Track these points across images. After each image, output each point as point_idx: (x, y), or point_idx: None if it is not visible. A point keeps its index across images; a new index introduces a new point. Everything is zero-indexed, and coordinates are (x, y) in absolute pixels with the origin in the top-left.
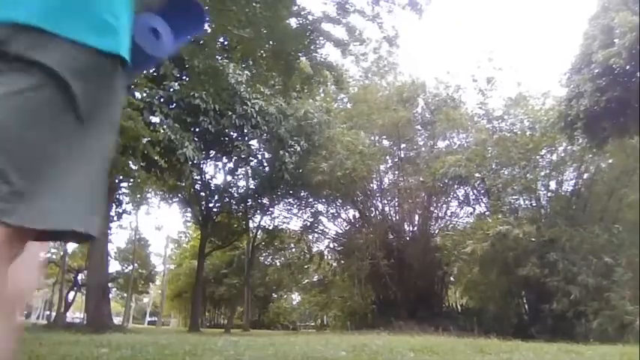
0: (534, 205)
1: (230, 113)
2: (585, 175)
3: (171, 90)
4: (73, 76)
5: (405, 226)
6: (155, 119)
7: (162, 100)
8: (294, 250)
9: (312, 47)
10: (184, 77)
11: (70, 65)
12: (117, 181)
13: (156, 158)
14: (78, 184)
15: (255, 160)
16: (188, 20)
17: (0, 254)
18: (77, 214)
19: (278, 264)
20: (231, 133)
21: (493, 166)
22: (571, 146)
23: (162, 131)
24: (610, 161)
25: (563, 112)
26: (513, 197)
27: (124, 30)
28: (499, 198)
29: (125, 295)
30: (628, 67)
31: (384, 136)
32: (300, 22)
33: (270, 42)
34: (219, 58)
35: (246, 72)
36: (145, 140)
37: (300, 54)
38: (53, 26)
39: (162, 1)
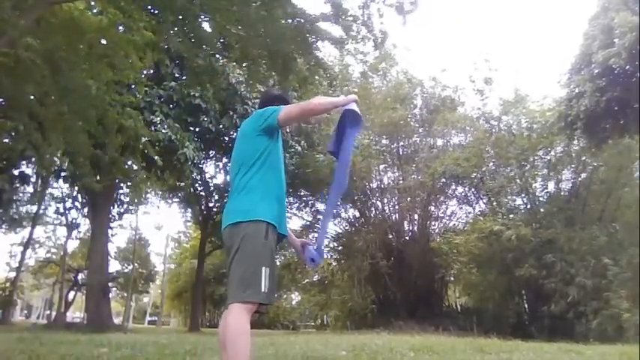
0: (532, 205)
1: (231, 113)
2: (583, 176)
3: (172, 90)
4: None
5: (405, 226)
6: (156, 119)
7: (162, 99)
8: (293, 249)
9: (307, 48)
10: (184, 77)
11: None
12: (117, 181)
13: (155, 158)
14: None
15: None
16: (354, 125)
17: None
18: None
19: (278, 263)
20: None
21: (491, 167)
22: (568, 147)
23: (163, 131)
24: (602, 164)
25: (563, 113)
26: (511, 197)
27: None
28: (497, 198)
29: (125, 294)
30: (628, 67)
31: (384, 135)
32: (296, 22)
33: (268, 40)
34: (219, 57)
35: (239, 71)
36: (144, 139)
37: (296, 55)
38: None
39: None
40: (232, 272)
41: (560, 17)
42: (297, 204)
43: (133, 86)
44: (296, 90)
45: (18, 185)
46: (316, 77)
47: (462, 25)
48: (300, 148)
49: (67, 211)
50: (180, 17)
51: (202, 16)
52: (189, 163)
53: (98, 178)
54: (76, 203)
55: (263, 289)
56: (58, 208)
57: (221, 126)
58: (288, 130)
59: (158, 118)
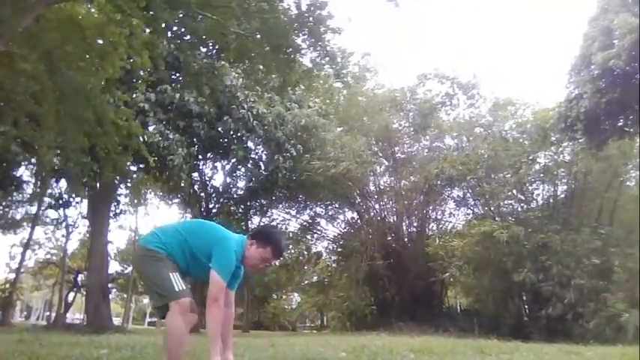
0: (527, 208)
1: (226, 117)
2: (579, 177)
3: (166, 93)
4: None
5: (404, 228)
6: (149, 121)
7: (158, 103)
8: (293, 251)
9: (317, 34)
10: (180, 80)
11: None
12: (116, 181)
13: (149, 159)
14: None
15: (252, 162)
16: None
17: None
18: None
19: (277, 264)
20: (232, 135)
21: (486, 170)
22: (563, 149)
23: (156, 134)
24: (597, 167)
25: (563, 114)
26: (507, 201)
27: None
28: (492, 202)
29: (125, 295)
30: (628, 68)
31: (380, 139)
32: (297, 12)
33: (270, 37)
34: (217, 57)
35: (237, 72)
36: (139, 139)
37: (300, 44)
38: None
39: None
40: None
41: (559, 18)
42: (295, 206)
43: (133, 83)
44: (295, 86)
45: (12, 189)
46: (322, 63)
47: (458, 25)
48: (295, 152)
49: (65, 212)
50: (180, 16)
51: (200, 16)
52: (180, 168)
53: (97, 179)
54: (75, 204)
55: None
56: (57, 208)
57: (220, 130)
58: (284, 133)
59: (152, 123)
